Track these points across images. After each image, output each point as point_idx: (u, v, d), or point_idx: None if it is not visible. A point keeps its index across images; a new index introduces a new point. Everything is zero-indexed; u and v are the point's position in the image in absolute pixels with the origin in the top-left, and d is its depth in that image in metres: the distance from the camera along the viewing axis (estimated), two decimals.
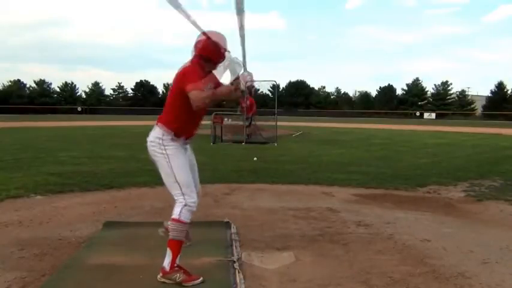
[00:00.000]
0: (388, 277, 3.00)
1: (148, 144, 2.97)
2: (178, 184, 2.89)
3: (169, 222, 2.92)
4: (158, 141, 2.92)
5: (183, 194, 2.89)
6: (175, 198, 2.93)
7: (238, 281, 2.85)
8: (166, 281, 2.84)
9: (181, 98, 2.84)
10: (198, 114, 3.01)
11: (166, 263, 2.85)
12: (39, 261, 3.25)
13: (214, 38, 2.91)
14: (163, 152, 2.90)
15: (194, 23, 2.80)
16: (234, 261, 3.17)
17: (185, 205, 2.87)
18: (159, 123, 2.97)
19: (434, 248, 3.65)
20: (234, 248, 3.51)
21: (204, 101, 2.75)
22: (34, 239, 3.75)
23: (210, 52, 2.94)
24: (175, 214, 2.87)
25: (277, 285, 2.87)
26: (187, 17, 2.73)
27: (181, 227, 2.86)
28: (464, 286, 2.89)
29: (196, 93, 2.71)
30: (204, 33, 2.88)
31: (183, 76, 2.85)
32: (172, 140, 2.92)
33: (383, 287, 2.87)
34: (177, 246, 2.85)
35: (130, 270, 3.07)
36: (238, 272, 2.98)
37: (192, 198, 2.91)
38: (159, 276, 2.87)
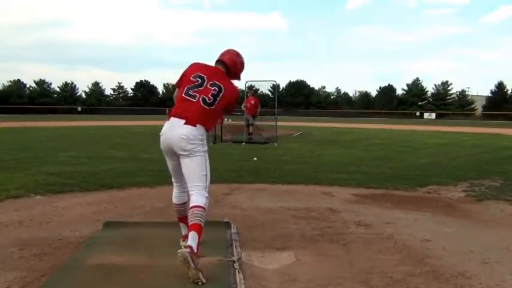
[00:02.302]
0: (388, 277, 2.99)
1: (188, 142, 3.08)
2: (206, 177, 3.16)
3: (195, 208, 3.04)
4: (199, 142, 3.13)
5: (206, 188, 3.14)
6: (198, 190, 3.10)
7: (238, 281, 2.85)
8: (189, 258, 2.75)
9: (222, 111, 3.36)
10: None
11: (194, 244, 2.86)
12: (39, 261, 3.25)
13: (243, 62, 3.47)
14: (204, 148, 3.16)
15: None
16: (234, 261, 3.16)
17: (206, 197, 3.12)
18: (199, 124, 3.11)
19: (434, 248, 3.64)
20: (234, 248, 3.51)
21: None
22: (34, 239, 3.75)
23: (236, 70, 3.42)
24: (201, 203, 3.06)
25: (277, 285, 2.87)
26: None
27: (205, 214, 3.06)
28: (464, 286, 2.89)
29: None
30: None
31: (234, 98, 3.34)
32: (206, 139, 3.22)
33: (383, 287, 2.86)
34: (202, 230, 2.99)
35: (130, 270, 3.06)
36: (238, 272, 2.97)
37: (208, 192, 3.19)
38: (184, 250, 2.78)
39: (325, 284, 2.88)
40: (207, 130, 3.20)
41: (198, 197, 3.07)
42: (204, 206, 3.04)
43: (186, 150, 3.08)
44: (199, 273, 2.77)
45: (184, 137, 3.05)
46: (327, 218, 4.66)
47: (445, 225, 4.43)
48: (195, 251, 2.84)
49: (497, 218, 4.89)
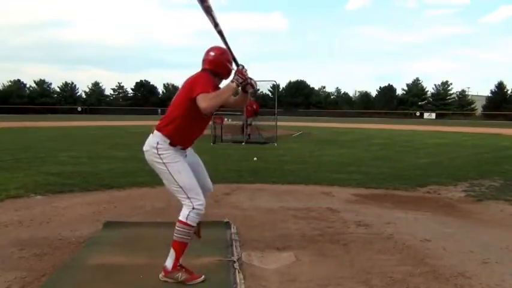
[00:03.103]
0: (388, 277, 3.00)
1: (146, 154, 2.97)
2: (182, 189, 2.87)
3: (176, 223, 2.90)
4: (153, 151, 2.88)
5: (188, 198, 2.86)
6: (182, 202, 2.91)
7: (238, 281, 2.85)
8: (169, 280, 2.85)
9: (186, 107, 2.83)
10: (199, 125, 3.00)
11: (169, 263, 2.86)
12: (39, 261, 3.25)
13: (225, 54, 2.97)
14: (160, 160, 2.87)
15: (220, 32, 2.86)
16: (234, 261, 3.17)
17: (193, 208, 2.85)
18: (155, 131, 2.93)
19: (434, 248, 3.64)
20: (234, 248, 3.51)
21: (211, 101, 2.72)
22: (34, 239, 3.75)
23: (220, 67, 2.98)
24: (182, 216, 2.85)
25: (277, 285, 2.87)
26: (216, 24, 2.82)
27: (188, 230, 2.85)
28: (464, 286, 2.89)
29: (204, 95, 2.71)
30: (227, 45, 2.91)
31: (194, 84, 2.83)
32: (169, 146, 2.88)
33: (383, 287, 2.86)
34: (181, 248, 2.87)
35: (130, 270, 3.07)
36: (238, 272, 2.98)
37: (199, 201, 2.88)
38: (161, 275, 2.88)
39: (325, 284, 2.88)
40: (167, 133, 2.87)
41: (182, 210, 2.89)
42: (183, 220, 2.83)
43: (149, 163, 2.96)
44: (186, 282, 2.83)
45: (144, 150, 2.95)
46: (327, 218, 4.66)
47: (445, 225, 4.43)
48: (170, 268, 2.86)
49: (497, 218, 4.89)
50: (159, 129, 2.92)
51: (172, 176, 2.86)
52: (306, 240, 3.84)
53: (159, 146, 2.87)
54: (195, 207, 2.85)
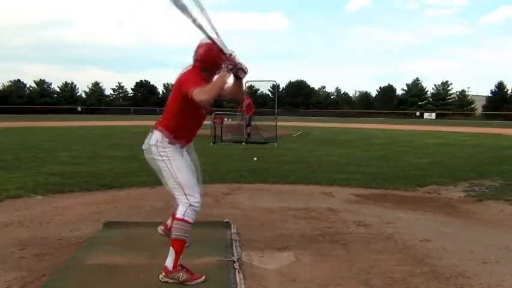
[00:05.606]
0: (388, 277, 3.00)
1: (145, 152, 3.01)
2: (180, 186, 2.92)
3: (174, 222, 2.93)
4: (154, 148, 2.95)
5: (185, 195, 2.91)
6: (179, 199, 2.94)
7: (238, 281, 2.85)
8: (169, 280, 2.84)
9: (181, 103, 2.86)
10: (197, 120, 3.04)
11: (169, 262, 2.85)
12: (39, 261, 3.25)
13: (213, 50, 2.88)
14: (161, 156, 2.93)
15: (200, 27, 2.76)
16: (234, 261, 3.17)
17: (190, 205, 2.90)
18: (158, 128, 2.97)
19: (434, 248, 3.64)
20: (234, 248, 3.51)
21: (207, 94, 2.70)
22: (34, 239, 3.75)
23: (208, 61, 2.93)
24: (180, 213, 2.89)
25: (277, 285, 2.87)
26: (193, 20, 2.72)
27: (186, 227, 2.87)
28: (464, 286, 2.89)
29: (198, 90, 2.70)
30: (210, 38, 2.83)
31: (184, 81, 2.85)
32: (169, 143, 2.94)
33: (383, 287, 2.86)
34: (181, 246, 2.87)
35: (130, 270, 3.06)
36: (238, 272, 2.98)
37: (196, 198, 2.94)
38: (161, 276, 2.86)
39: (325, 284, 2.88)
40: (168, 129, 2.92)
41: (178, 208, 2.93)
42: (181, 217, 2.87)
43: (149, 161, 3.01)
44: (186, 282, 2.82)
45: (143, 148, 3.01)
46: (327, 218, 4.66)
47: (445, 225, 4.43)
48: (171, 268, 2.84)
49: (497, 218, 4.89)
50: (159, 128, 2.97)
51: (172, 173, 2.92)
52: (306, 240, 3.84)
53: (159, 144, 2.94)
54: (192, 203, 2.90)
